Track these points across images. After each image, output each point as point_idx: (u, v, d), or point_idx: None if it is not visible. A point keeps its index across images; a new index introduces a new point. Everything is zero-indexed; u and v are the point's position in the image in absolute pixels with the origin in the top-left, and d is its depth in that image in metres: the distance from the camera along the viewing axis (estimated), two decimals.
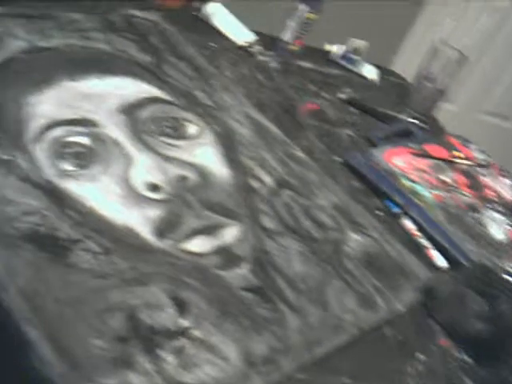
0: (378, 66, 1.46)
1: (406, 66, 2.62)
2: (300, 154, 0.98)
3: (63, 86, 0.85)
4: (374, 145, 1.13)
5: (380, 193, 1.01)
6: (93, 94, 0.86)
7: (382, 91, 1.39)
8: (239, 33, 1.25)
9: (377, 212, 0.97)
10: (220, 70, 1.10)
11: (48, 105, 0.80)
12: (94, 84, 0.88)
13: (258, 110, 1.03)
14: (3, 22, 0.92)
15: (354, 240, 0.86)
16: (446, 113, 1.40)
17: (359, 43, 2.59)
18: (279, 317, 0.69)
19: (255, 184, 0.86)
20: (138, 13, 1.12)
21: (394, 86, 1.46)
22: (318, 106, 1.18)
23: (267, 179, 0.88)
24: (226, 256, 0.73)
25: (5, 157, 0.71)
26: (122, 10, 1.10)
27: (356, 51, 1.44)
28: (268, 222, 0.81)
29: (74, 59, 0.92)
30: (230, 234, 0.76)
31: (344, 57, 1.39)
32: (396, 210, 0.99)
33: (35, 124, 0.77)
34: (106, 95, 0.86)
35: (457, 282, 0.85)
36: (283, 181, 0.90)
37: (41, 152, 0.74)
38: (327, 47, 1.40)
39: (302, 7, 1.22)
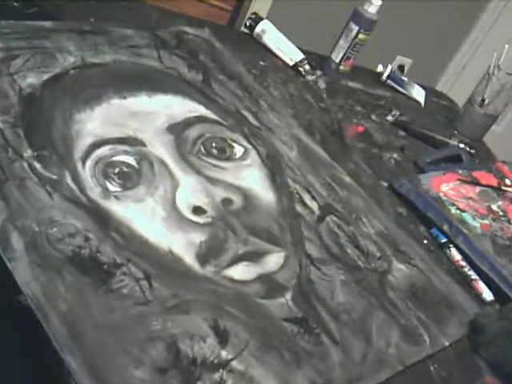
0: (426, 88, 1.43)
1: (452, 86, 2.60)
2: (346, 178, 0.96)
3: (112, 103, 0.85)
4: (421, 170, 1.11)
5: (427, 221, 0.99)
6: (141, 112, 0.86)
7: (430, 114, 1.36)
8: (289, 51, 1.24)
9: (423, 241, 0.95)
10: (268, 90, 1.10)
11: (96, 122, 0.80)
12: (143, 102, 0.88)
13: (306, 132, 1.02)
14: (55, 38, 0.92)
15: (399, 270, 0.84)
16: (488, 133, 1.36)
17: (404, 60, 2.58)
18: (321, 350, 0.68)
19: (301, 209, 0.85)
20: (188, 29, 1.12)
21: (442, 108, 1.42)
22: (365, 128, 1.16)
23: (313, 204, 0.87)
24: (269, 284, 0.72)
25: (52, 176, 0.71)
26: (173, 26, 1.10)
27: (401, 68, 1.41)
28: (313, 250, 0.79)
29: (124, 76, 0.92)
30: (274, 261, 0.75)
31: (392, 77, 1.37)
32: (443, 239, 0.96)
33: (83, 142, 0.77)
34: (154, 113, 0.86)
35: (504, 318, 0.82)
36: (329, 206, 0.88)
37: (87, 171, 0.74)
38: (379, 68, 1.37)
39: (354, 27, 1.20)
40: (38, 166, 0.71)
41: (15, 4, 1.11)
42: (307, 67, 1.23)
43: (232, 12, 2.42)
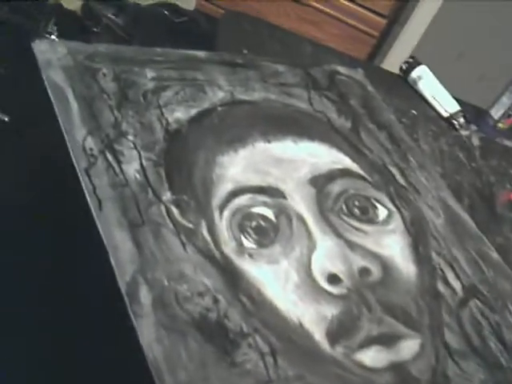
0: None
1: None
2: (494, 254, 0.87)
3: (256, 146, 0.80)
4: None
5: None
6: (285, 159, 0.81)
7: None
8: (444, 101, 1.16)
9: None
10: (418, 143, 1.03)
11: (238, 167, 0.76)
12: (288, 147, 0.83)
13: (454, 196, 0.94)
14: (207, 69, 0.90)
15: None
16: None
17: None
18: None
19: (442, 289, 0.77)
20: (342, 69, 1.06)
21: None
22: None
23: (456, 284, 0.79)
24: (402, 376, 0.65)
25: (188, 224, 0.67)
26: (326, 65, 1.05)
27: None
28: (452, 339, 0.72)
29: (271, 117, 0.88)
30: (409, 347, 0.68)
31: None
32: None
33: (223, 188, 0.73)
34: (298, 162, 0.81)
35: None
36: (474, 288, 0.80)
37: (224, 222, 0.70)
38: None
39: None
40: (175, 211, 0.68)
41: (165, 12, 1.11)
42: (462, 120, 1.14)
43: (377, 39, 2.35)
